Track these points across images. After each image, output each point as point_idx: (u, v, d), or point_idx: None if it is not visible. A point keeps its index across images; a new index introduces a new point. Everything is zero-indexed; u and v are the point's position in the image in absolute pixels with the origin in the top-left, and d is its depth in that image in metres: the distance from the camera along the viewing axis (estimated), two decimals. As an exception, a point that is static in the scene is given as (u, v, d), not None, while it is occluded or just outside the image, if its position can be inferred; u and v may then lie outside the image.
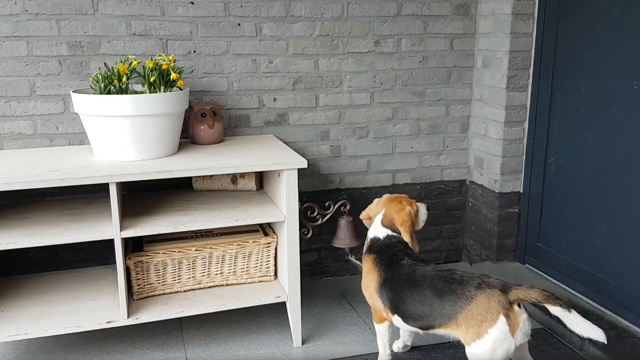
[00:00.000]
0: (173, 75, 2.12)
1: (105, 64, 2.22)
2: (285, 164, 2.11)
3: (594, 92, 2.40)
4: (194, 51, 2.49)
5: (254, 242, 2.32)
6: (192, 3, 2.44)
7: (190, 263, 2.27)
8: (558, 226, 2.66)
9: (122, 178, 1.95)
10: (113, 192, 1.94)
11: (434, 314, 1.81)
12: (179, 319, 2.48)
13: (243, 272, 2.36)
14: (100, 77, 2.10)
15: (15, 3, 2.26)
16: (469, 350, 1.75)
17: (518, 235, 2.88)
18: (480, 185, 2.93)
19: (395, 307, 1.93)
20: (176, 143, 2.26)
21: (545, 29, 2.62)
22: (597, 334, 1.66)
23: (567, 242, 2.62)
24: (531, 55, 2.68)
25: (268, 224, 2.47)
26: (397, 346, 2.25)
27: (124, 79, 2.10)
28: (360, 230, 2.86)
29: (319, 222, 2.47)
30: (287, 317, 2.33)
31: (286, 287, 2.26)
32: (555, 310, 1.67)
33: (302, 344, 2.31)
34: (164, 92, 2.13)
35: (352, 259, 2.62)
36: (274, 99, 2.64)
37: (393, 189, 2.91)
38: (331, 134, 2.76)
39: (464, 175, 3.02)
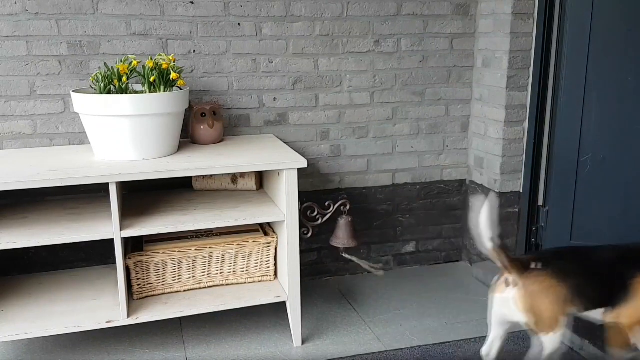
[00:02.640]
0: (173, 75, 2.12)
1: (105, 63, 2.22)
2: (285, 163, 2.11)
3: (633, 85, 2.45)
4: (194, 51, 2.49)
5: (254, 241, 2.32)
6: (192, 3, 2.44)
7: (190, 263, 2.27)
8: (598, 221, 2.69)
9: (122, 178, 1.95)
10: (113, 191, 1.94)
11: None
12: (179, 318, 2.48)
13: (243, 271, 2.36)
14: (100, 76, 2.10)
15: (15, 3, 2.26)
16: None
17: (518, 235, 2.88)
18: (480, 185, 2.93)
19: None
20: (176, 143, 2.26)
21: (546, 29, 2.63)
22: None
23: (612, 234, 2.65)
24: (531, 55, 2.68)
25: (268, 223, 2.47)
26: None
27: (124, 78, 2.10)
28: (358, 230, 2.87)
29: (319, 221, 2.47)
30: (287, 317, 2.33)
31: (286, 287, 2.26)
32: None
33: (302, 344, 2.31)
34: (164, 91, 2.13)
35: (347, 256, 2.62)
36: (274, 98, 2.64)
37: (393, 188, 2.91)
38: (331, 134, 2.76)
39: (464, 175, 3.02)
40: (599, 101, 2.60)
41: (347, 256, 2.59)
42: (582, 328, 2.28)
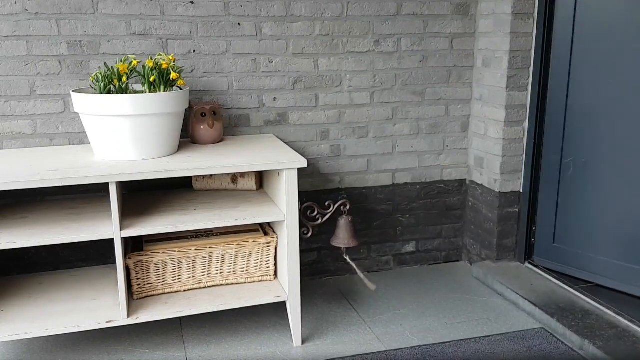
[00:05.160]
0: (173, 75, 2.12)
1: (105, 63, 2.22)
2: (285, 163, 2.11)
3: (617, 89, 2.41)
4: (194, 51, 2.49)
5: (253, 241, 2.32)
6: (192, 2, 2.44)
7: (190, 263, 2.27)
8: (578, 226, 2.67)
9: (122, 178, 1.95)
10: (113, 191, 1.94)
11: None
12: (179, 318, 2.48)
13: (243, 271, 2.36)
14: (100, 76, 2.09)
15: (15, 2, 2.26)
16: None
17: (518, 235, 2.88)
18: (480, 184, 2.93)
19: None
20: (176, 143, 2.26)
21: (547, 28, 2.63)
22: None
23: (590, 240, 2.63)
24: (531, 54, 2.68)
25: (268, 223, 2.47)
26: None
27: (124, 78, 2.10)
28: (358, 230, 2.86)
29: (319, 221, 2.47)
30: (287, 317, 2.33)
31: (286, 286, 2.26)
32: None
33: (302, 344, 2.31)
34: (164, 91, 2.13)
35: (348, 259, 2.60)
36: (274, 98, 2.64)
37: (393, 188, 2.91)
38: (331, 134, 2.76)
39: (464, 174, 3.02)
40: (582, 104, 2.58)
41: (348, 259, 2.58)
42: (582, 328, 2.29)
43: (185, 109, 2.26)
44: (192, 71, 2.51)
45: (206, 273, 2.31)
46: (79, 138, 2.44)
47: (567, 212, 2.71)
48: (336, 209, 2.48)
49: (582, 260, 2.67)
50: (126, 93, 2.11)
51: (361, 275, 2.53)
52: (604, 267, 2.59)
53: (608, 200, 2.54)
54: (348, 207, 2.50)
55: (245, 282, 2.37)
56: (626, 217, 2.47)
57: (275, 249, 2.37)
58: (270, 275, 2.39)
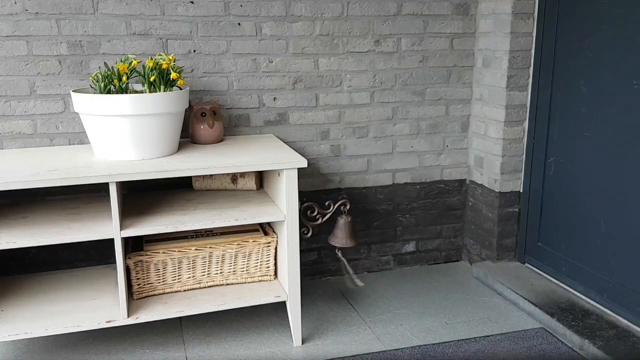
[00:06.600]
0: (173, 75, 2.12)
1: (105, 63, 2.22)
2: (285, 163, 2.11)
3: (594, 91, 2.41)
4: (194, 50, 2.49)
5: (254, 241, 2.32)
6: (192, 2, 2.44)
7: (190, 262, 2.27)
8: (557, 226, 2.66)
9: (122, 177, 1.95)
10: (113, 191, 1.94)
11: None
12: (179, 318, 2.48)
13: (243, 271, 2.36)
14: (100, 76, 2.10)
15: (15, 2, 2.26)
16: None
17: (518, 234, 2.88)
18: (480, 184, 2.93)
19: None
20: (176, 143, 2.26)
21: (545, 29, 2.63)
22: None
23: (567, 241, 2.62)
24: (531, 54, 2.68)
25: (268, 223, 2.47)
26: None
27: (124, 78, 2.10)
28: (358, 230, 2.87)
29: (319, 221, 2.47)
30: (287, 317, 2.33)
31: (286, 286, 2.26)
32: None
33: (302, 344, 2.31)
34: (164, 91, 2.13)
35: (341, 257, 2.61)
36: (274, 98, 2.64)
37: (393, 188, 2.91)
38: (331, 134, 2.76)
39: (464, 174, 3.02)
40: (562, 104, 2.57)
41: (339, 255, 2.58)
42: (582, 328, 2.29)
43: (185, 109, 2.26)
44: (192, 71, 2.51)
45: (206, 273, 2.31)
46: (79, 138, 2.44)
47: (548, 213, 2.71)
48: (336, 208, 2.49)
49: (558, 263, 2.68)
50: (126, 93, 2.11)
51: (350, 271, 2.57)
52: (578, 274, 2.57)
53: (581, 203, 2.53)
54: (348, 207, 2.50)
55: (245, 282, 2.37)
56: (598, 224, 2.45)
57: (275, 249, 2.37)
58: (270, 275, 2.40)
